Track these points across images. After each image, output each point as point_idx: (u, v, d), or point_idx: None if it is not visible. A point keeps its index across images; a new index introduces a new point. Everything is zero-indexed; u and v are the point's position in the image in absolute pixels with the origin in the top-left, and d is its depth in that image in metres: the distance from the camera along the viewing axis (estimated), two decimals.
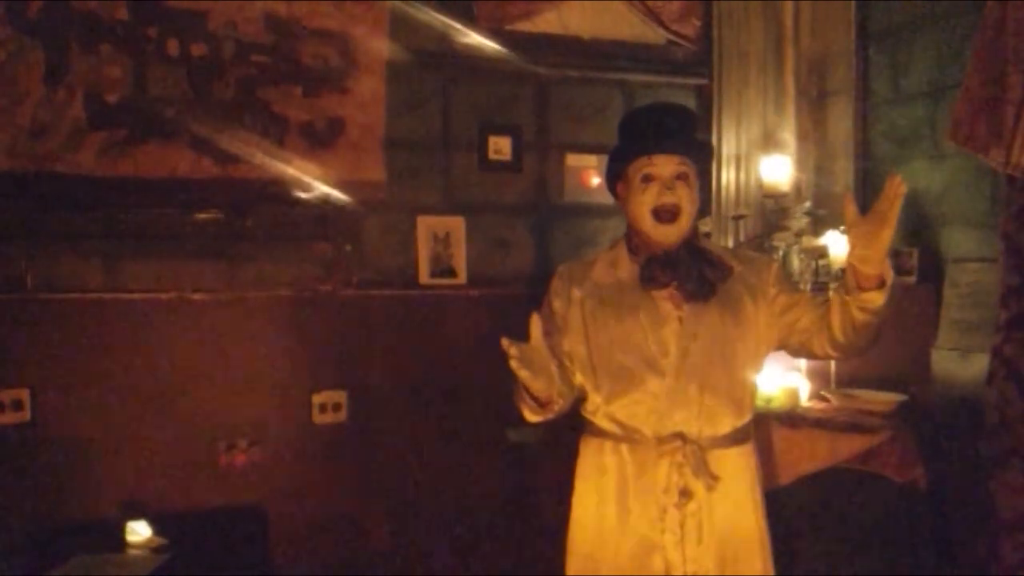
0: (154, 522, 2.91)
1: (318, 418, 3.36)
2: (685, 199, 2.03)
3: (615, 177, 2.13)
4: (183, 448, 3.19)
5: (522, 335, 1.83)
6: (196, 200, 3.24)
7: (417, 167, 3.63)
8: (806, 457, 2.99)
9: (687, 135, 2.11)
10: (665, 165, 2.02)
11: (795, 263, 3.70)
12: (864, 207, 1.85)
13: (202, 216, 3.29)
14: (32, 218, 3.09)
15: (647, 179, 2.03)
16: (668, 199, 2.01)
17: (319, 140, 3.34)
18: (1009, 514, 3.12)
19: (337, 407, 3.38)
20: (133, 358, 3.14)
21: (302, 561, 3.31)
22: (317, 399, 3.36)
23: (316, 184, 3.34)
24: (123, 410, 3.12)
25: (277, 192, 3.30)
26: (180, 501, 3.16)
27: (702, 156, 2.16)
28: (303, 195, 3.34)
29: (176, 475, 3.18)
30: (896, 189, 1.78)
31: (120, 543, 2.82)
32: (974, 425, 3.27)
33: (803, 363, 3.49)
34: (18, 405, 2.98)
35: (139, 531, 2.86)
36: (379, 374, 3.42)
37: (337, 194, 3.38)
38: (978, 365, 3.36)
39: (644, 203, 2.03)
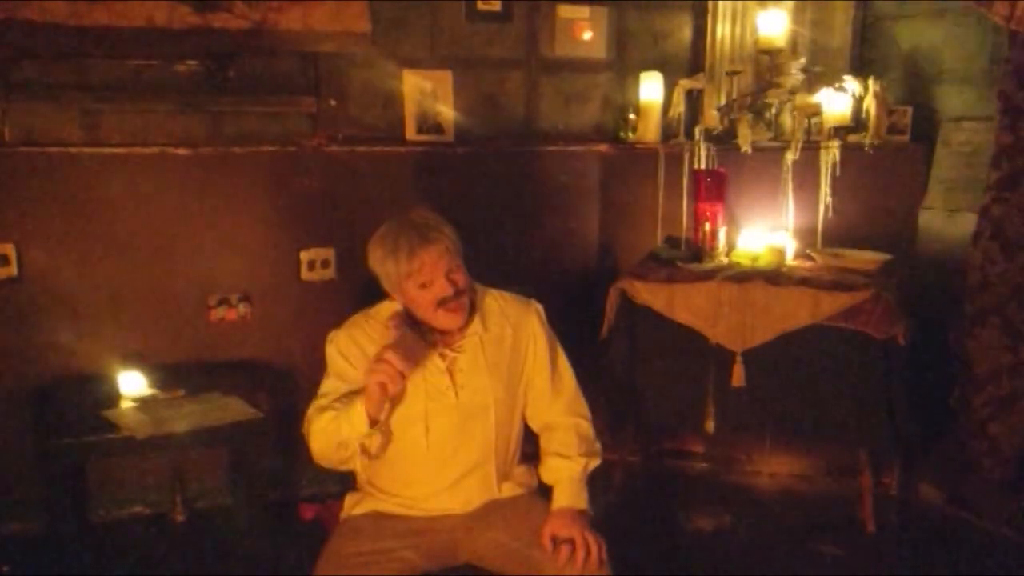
0: (147, 374, 2.96)
1: (306, 275, 3.37)
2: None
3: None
4: (173, 304, 3.22)
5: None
6: (175, 51, 3.14)
7: (403, 18, 3.50)
8: (789, 314, 3.03)
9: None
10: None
11: (787, 121, 3.64)
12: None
13: (182, 68, 3.19)
14: (4, 68, 2.99)
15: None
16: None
17: None
18: (982, 369, 3.21)
19: (326, 263, 3.39)
20: (117, 213, 3.12)
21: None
22: (305, 256, 3.36)
23: (299, 34, 3.23)
24: (110, 265, 3.13)
25: (258, 43, 3.19)
26: (171, 355, 3.21)
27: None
28: (285, 46, 3.24)
29: (166, 330, 3.23)
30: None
31: (114, 396, 2.88)
32: (957, 284, 3.32)
33: (790, 222, 3.50)
34: (4, 260, 2.98)
35: (133, 382, 2.91)
36: (366, 231, 3.40)
37: (321, 45, 3.27)
38: (965, 225, 3.38)
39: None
